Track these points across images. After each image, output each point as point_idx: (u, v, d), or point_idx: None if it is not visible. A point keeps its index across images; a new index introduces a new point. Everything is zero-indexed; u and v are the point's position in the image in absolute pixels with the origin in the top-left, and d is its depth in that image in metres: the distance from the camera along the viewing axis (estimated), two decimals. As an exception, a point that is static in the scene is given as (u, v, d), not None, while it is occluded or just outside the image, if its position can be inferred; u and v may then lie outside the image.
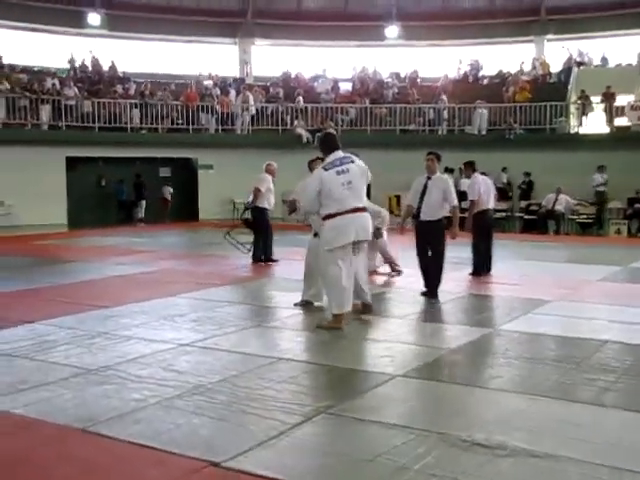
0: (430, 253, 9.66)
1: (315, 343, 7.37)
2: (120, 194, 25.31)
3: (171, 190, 25.83)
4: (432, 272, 9.65)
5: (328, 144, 7.95)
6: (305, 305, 8.96)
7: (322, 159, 8.06)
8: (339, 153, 7.85)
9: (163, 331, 7.81)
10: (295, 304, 9.00)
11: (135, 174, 25.14)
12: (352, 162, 7.81)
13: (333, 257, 7.65)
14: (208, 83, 28.20)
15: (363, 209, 7.80)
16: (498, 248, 12.74)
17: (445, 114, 26.50)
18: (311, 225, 8.83)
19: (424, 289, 9.90)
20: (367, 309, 8.52)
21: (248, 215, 13.41)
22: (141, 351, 6.96)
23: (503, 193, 23.40)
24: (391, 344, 7.19)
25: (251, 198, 13.22)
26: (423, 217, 9.68)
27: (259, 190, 13.25)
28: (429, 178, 9.78)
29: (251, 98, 26.65)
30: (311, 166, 9.05)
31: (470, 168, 12.10)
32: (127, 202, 25.37)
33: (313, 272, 8.61)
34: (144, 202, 25.00)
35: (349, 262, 7.72)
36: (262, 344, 7.34)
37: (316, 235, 8.47)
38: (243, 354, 6.82)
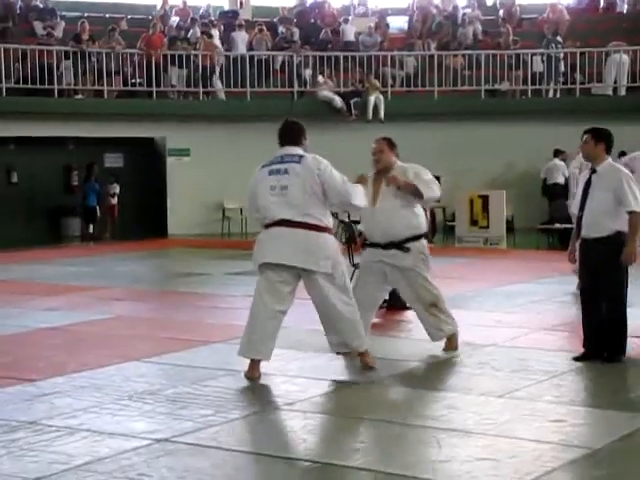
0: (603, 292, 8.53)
1: (369, 435, 6.21)
2: (90, 196, 21.62)
3: (117, 189, 22.40)
4: (609, 326, 8.08)
5: (280, 136, 7.49)
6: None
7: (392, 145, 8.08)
8: (288, 149, 7.36)
9: (128, 418, 6.68)
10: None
11: (87, 164, 21.99)
12: (298, 162, 7.30)
13: (259, 280, 7.51)
14: (175, 20, 24.20)
15: (302, 224, 7.26)
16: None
17: (561, 65, 22.91)
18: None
19: (582, 351, 8.38)
20: (364, 364, 7.59)
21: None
22: (95, 452, 5.79)
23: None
24: (491, 439, 6.08)
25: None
26: (586, 233, 8.40)
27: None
28: (594, 171, 8.41)
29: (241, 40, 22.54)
30: (381, 150, 8.11)
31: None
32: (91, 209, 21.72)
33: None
34: (97, 208, 21.77)
35: (275, 293, 7.28)
36: (288, 438, 6.26)
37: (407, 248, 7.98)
38: (259, 455, 5.72)
